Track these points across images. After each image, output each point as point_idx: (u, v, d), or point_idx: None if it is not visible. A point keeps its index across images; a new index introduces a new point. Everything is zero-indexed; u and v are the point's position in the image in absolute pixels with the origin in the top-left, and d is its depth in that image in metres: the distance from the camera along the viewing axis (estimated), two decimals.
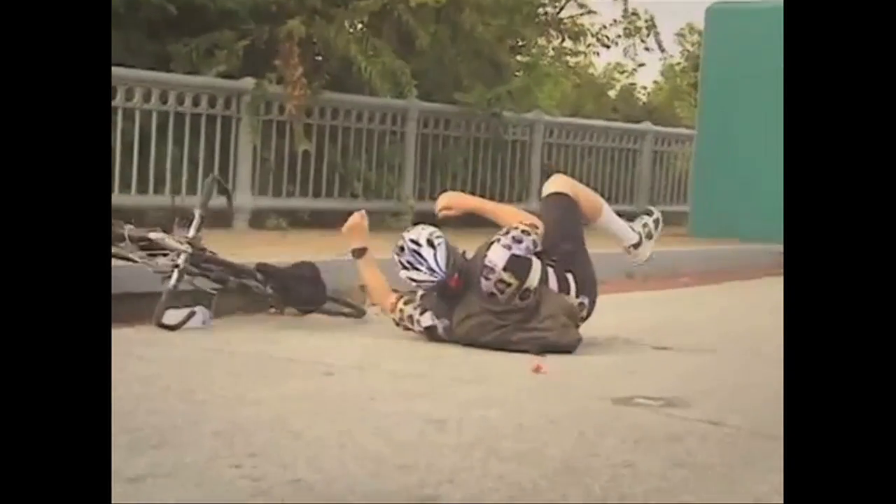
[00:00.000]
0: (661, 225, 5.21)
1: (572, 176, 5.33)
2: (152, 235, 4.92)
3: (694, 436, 3.28)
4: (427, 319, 4.71)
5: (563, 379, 4.10)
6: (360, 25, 9.94)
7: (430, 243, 4.62)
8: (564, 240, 4.71)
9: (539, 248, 4.63)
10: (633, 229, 5.15)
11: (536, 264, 4.60)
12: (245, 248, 6.13)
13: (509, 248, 4.54)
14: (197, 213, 5.06)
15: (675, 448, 3.13)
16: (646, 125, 12.74)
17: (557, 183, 4.91)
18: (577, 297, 4.72)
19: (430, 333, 4.70)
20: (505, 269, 4.53)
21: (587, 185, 5.47)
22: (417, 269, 4.57)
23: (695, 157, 11.39)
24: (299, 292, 5.34)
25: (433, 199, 10.17)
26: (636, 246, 5.19)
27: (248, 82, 8.61)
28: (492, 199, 10.59)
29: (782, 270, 9.68)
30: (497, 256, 4.53)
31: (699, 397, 3.83)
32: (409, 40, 9.64)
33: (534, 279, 4.56)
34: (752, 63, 10.40)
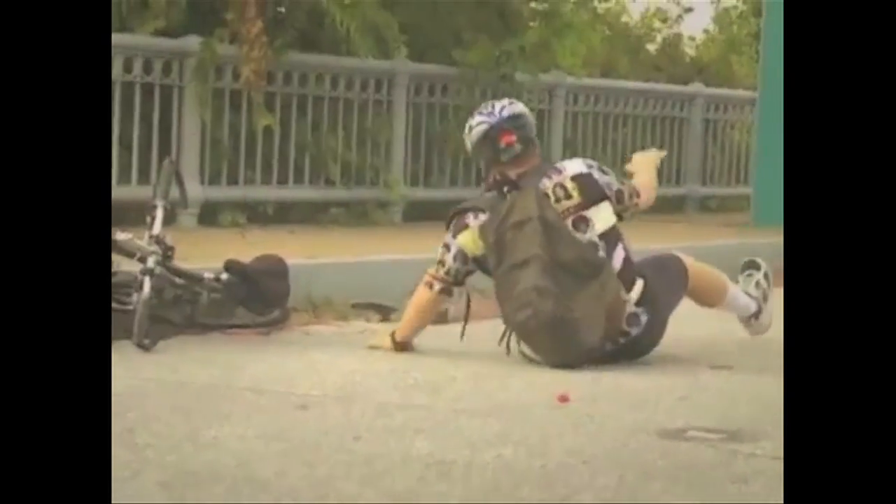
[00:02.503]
0: (772, 280, 5.49)
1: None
2: (119, 237, 4.99)
3: (763, 477, 3.30)
4: (473, 219, 5.02)
5: (596, 408, 4.12)
6: None
7: (511, 105, 5.19)
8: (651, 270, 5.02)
9: (624, 204, 5.07)
10: (750, 295, 5.40)
11: (607, 208, 4.97)
12: (193, 249, 6.14)
13: (590, 167, 5.06)
14: (159, 205, 5.14)
15: (741, 492, 3.15)
16: (695, 87, 12.76)
17: (678, 252, 5.28)
18: (637, 305, 4.90)
19: (482, 232, 4.97)
20: (573, 178, 4.97)
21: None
22: (478, 114, 5.13)
23: (757, 126, 11.40)
24: (270, 289, 5.47)
25: (428, 185, 10.31)
26: (757, 316, 5.41)
27: (193, 42, 8.63)
28: None
29: None
30: (572, 164, 5.09)
31: (768, 429, 3.84)
32: None
33: (598, 219, 4.92)
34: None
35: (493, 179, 5.07)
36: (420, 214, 9.87)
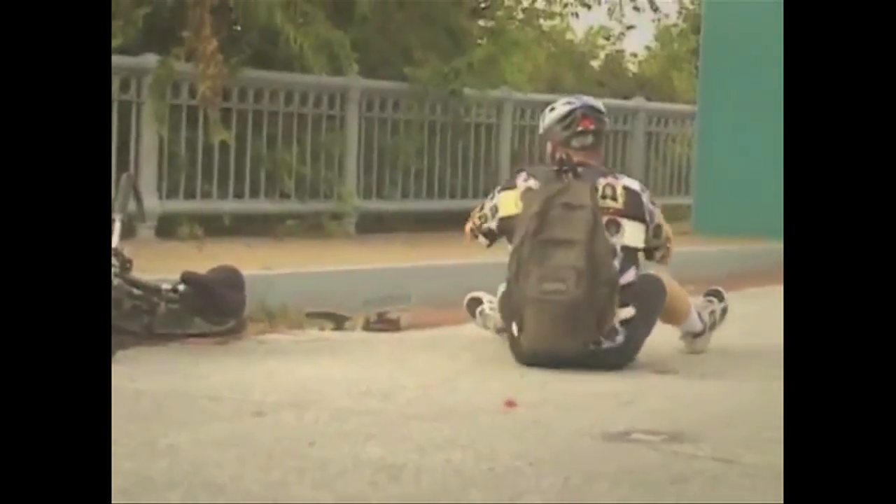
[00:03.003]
0: (727, 315, 5.63)
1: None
2: None
3: (703, 477, 3.31)
4: (523, 181, 5.15)
5: (542, 413, 4.12)
6: None
7: (596, 101, 5.43)
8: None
9: (659, 241, 5.20)
10: (701, 317, 5.48)
11: (640, 229, 5.08)
12: (152, 261, 6.11)
13: (643, 190, 5.19)
14: (116, 219, 5.13)
15: (681, 492, 3.16)
16: (637, 101, 12.82)
17: (662, 273, 5.30)
18: (619, 324, 4.96)
19: (527, 194, 5.07)
20: (624, 187, 5.09)
21: None
22: (563, 99, 5.36)
23: (697, 138, 11.47)
24: (226, 300, 5.45)
25: (381, 197, 10.32)
26: (697, 336, 5.48)
27: (151, 59, 8.59)
28: (452, 196, 10.73)
29: None
30: (629, 179, 5.23)
31: (709, 431, 3.86)
32: (348, 4, 9.65)
33: (628, 231, 5.02)
34: (761, 22, 10.49)
35: (559, 158, 5.13)
36: (373, 226, 9.87)
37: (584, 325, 4.85)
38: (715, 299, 5.65)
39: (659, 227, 5.18)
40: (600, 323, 4.88)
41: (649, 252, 5.22)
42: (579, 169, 5.06)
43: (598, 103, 5.35)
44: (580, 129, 5.16)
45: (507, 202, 5.15)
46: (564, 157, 5.13)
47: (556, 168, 5.08)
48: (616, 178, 5.14)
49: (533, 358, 4.91)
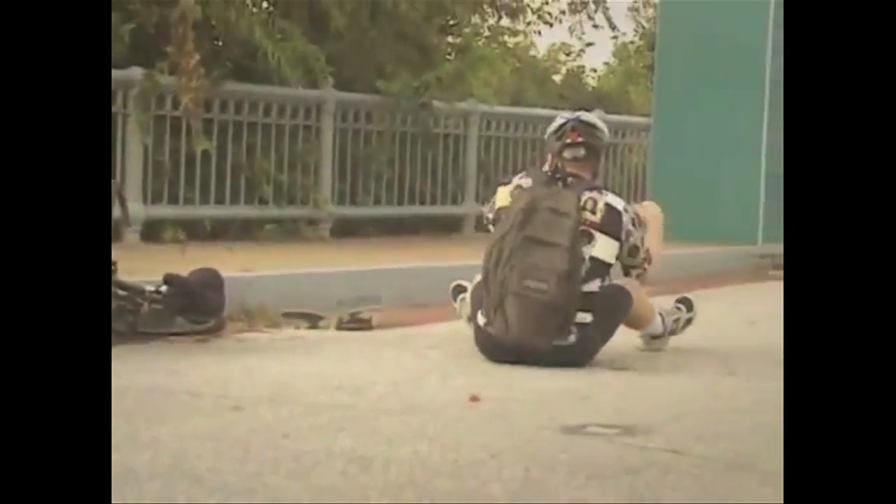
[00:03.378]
0: (690, 324, 5.64)
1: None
2: None
3: (654, 468, 3.32)
4: (518, 179, 5.21)
5: (505, 407, 4.12)
6: (265, 5, 9.92)
7: (590, 115, 5.46)
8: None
9: (634, 260, 5.17)
10: (664, 322, 5.48)
11: (612, 245, 5.04)
12: (137, 263, 6.09)
13: (626, 210, 5.13)
14: None
15: (633, 482, 3.16)
16: (597, 114, 12.82)
17: (629, 281, 5.27)
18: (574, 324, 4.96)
19: (517, 190, 5.13)
20: (606, 203, 5.06)
21: None
22: (563, 114, 5.37)
23: (651, 149, 11.50)
24: (206, 300, 5.44)
25: (354, 203, 10.30)
26: (657, 338, 5.48)
27: (136, 73, 8.56)
28: (422, 202, 10.73)
29: (753, 276, 9.73)
30: (614, 196, 5.16)
31: (661, 424, 3.87)
32: (323, 21, 9.65)
33: (600, 245, 5.00)
34: (712, 40, 10.54)
35: (554, 166, 5.17)
36: (347, 230, 9.86)
37: (554, 324, 4.88)
38: (683, 308, 5.64)
39: (636, 248, 5.13)
40: (564, 324, 4.89)
41: (626, 269, 5.22)
42: (569, 179, 5.09)
43: (595, 119, 5.34)
44: (569, 141, 5.16)
45: (502, 195, 5.18)
46: (557, 165, 5.16)
47: (549, 173, 5.13)
48: (601, 193, 5.11)
49: (500, 348, 4.91)
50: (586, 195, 5.05)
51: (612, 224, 5.04)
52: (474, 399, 4.20)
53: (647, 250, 5.21)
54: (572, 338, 4.94)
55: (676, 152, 10.84)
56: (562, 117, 5.31)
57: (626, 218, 5.11)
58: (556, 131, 5.24)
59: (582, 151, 5.18)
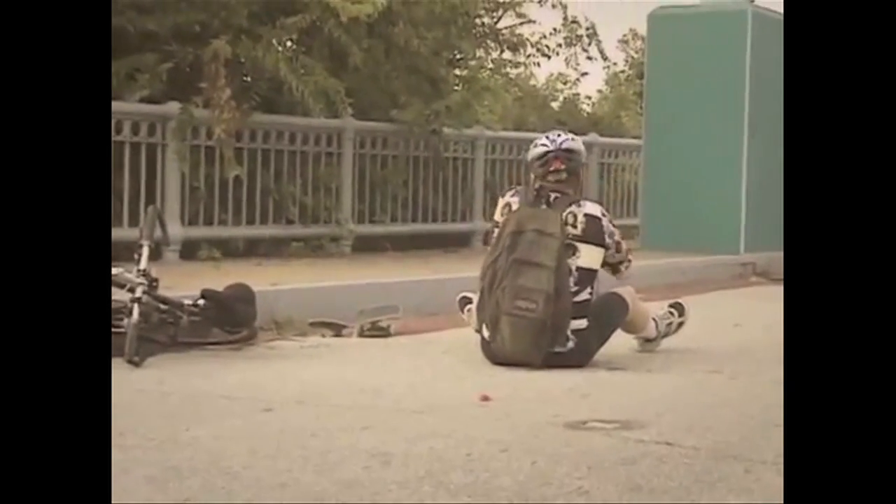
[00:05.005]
0: (682, 328, 5.61)
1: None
2: (112, 271, 4.95)
3: (650, 459, 3.30)
4: (510, 196, 5.19)
5: (512, 405, 4.11)
6: (289, 43, 9.92)
7: (571, 141, 5.30)
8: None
9: (619, 257, 5.12)
10: (658, 325, 5.45)
11: (598, 252, 5.02)
12: (176, 280, 6.09)
13: (604, 215, 5.12)
14: (145, 244, 5.16)
15: (630, 472, 3.15)
16: (591, 137, 12.80)
17: (625, 290, 5.27)
18: (570, 332, 4.95)
19: (506, 209, 5.13)
20: (585, 214, 5.03)
21: None
22: (545, 138, 5.27)
23: (642, 168, 11.49)
24: (240, 312, 5.44)
25: (373, 221, 10.29)
26: (650, 341, 5.46)
27: (174, 107, 8.57)
28: (434, 220, 10.72)
29: (737, 283, 9.69)
30: (592, 205, 5.14)
31: (655, 418, 3.86)
32: (342, 57, 9.64)
33: (585, 254, 4.97)
34: (695, 69, 10.53)
35: (538, 187, 5.15)
36: (366, 246, 9.84)
37: (545, 338, 4.87)
38: (676, 312, 5.62)
39: (619, 243, 5.14)
40: (556, 336, 4.89)
41: (615, 267, 5.18)
42: (552, 198, 5.06)
43: (573, 144, 5.24)
44: (552, 169, 5.13)
45: (498, 209, 5.19)
46: (540, 186, 5.13)
47: (534, 194, 5.10)
48: (580, 206, 5.08)
49: (504, 360, 4.92)
50: (567, 211, 5.03)
51: (593, 233, 5.03)
52: (485, 398, 4.19)
53: (628, 246, 5.21)
54: (571, 344, 4.93)
55: (665, 171, 10.82)
56: (542, 145, 5.20)
57: (605, 222, 5.09)
58: (539, 158, 5.17)
59: (564, 175, 5.15)
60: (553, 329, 4.87)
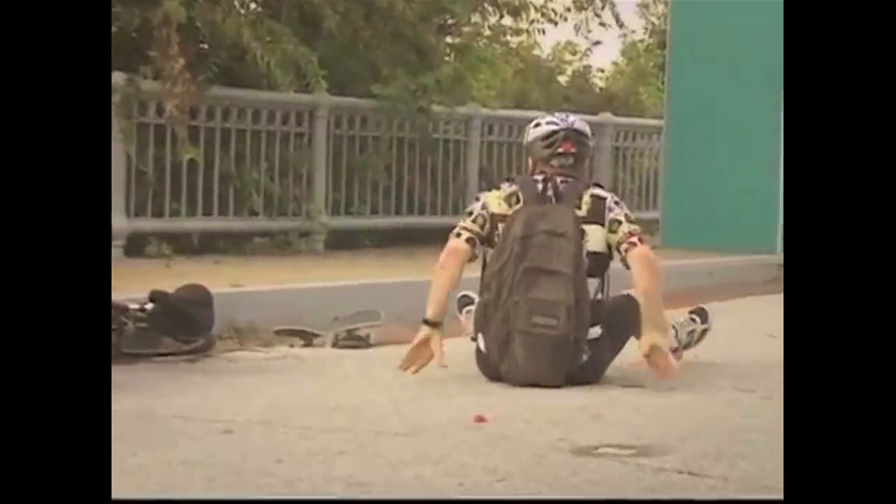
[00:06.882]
0: (706, 335, 5.64)
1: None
2: None
3: (672, 490, 3.32)
4: (508, 186, 5.17)
5: (512, 427, 4.12)
6: (252, 5, 9.93)
7: (581, 122, 5.35)
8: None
9: (618, 236, 5.04)
10: (678, 335, 5.46)
11: (599, 231, 5.04)
12: (120, 280, 6.09)
13: (610, 195, 5.18)
14: None
15: None
16: (605, 116, 12.85)
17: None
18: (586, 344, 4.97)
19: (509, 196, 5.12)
20: (592, 195, 5.09)
21: None
22: (550, 116, 5.32)
23: (663, 153, 11.51)
24: (194, 318, 5.46)
25: (349, 214, 10.30)
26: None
27: (118, 78, 8.57)
28: (421, 212, 10.73)
29: (773, 287, 9.72)
30: (600, 188, 5.22)
31: (677, 444, 3.87)
32: (315, 22, 9.66)
33: (591, 237, 5.01)
34: (726, 38, 10.55)
35: (539, 171, 5.16)
36: (341, 243, 9.85)
37: (567, 356, 4.90)
38: (698, 319, 5.64)
39: (616, 221, 5.05)
40: (577, 352, 4.91)
41: (616, 250, 5.07)
42: (560, 187, 5.07)
43: (584, 125, 5.30)
44: (560, 150, 5.15)
45: (493, 199, 5.14)
46: (543, 171, 5.13)
47: (539, 188, 5.08)
48: (588, 188, 5.14)
49: (515, 383, 4.90)
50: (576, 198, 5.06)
51: (596, 212, 5.06)
52: (480, 419, 4.20)
53: (633, 228, 5.08)
54: (584, 357, 4.95)
55: (690, 156, 10.84)
56: (551, 123, 5.24)
57: (609, 201, 5.10)
58: (545, 138, 5.19)
59: (571, 161, 5.18)
60: (575, 344, 4.89)
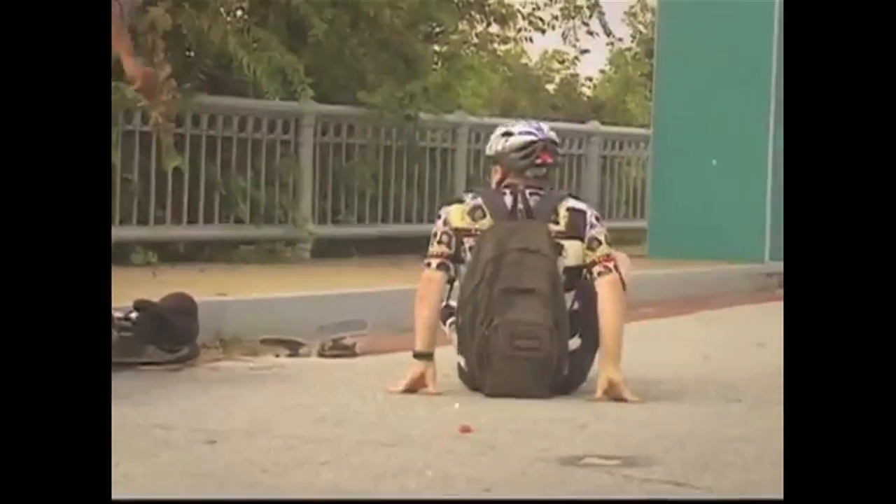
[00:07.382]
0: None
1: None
2: None
3: (657, 501, 3.31)
4: (471, 199, 5.09)
5: (498, 438, 4.12)
6: (239, 13, 9.93)
7: (551, 132, 5.29)
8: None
9: (595, 254, 4.97)
10: None
11: (578, 246, 4.96)
12: None
13: (589, 208, 5.11)
14: None
15: None
16: (592, 125, 12.88)
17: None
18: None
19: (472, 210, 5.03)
20: (568, 209, 5.01)
21: None
22: (522, 125, 5.24)
23: (651, 162, 11.52)
24: (179, 327, 5.47)
25: (336, 222, 10.31)
26: None
27: None
28: (408, 220, 10.73)
29: (761, 296, 9.76)
30: (576, 201, 5.15)
31: (663, 454, 3.87)
32: (301, 30, 9.66)
33: (570, 251, 4.94)
34: (714, 47, 10.57)
35: (507, 183, 5.09)
36: (328, 251, 9.85)
37: (551, 374, 4.88)
38: None
39: (595, 240, 4.97)
40: (559, 367, 4.90)
41: (588, 267, 4.99)
42: (532, 202, 4.99)
43: (554, 134, 5.26)
44: (539, 162, 5.09)
45: (456, 213, 5.03)
46: (511, 182, 5.06)
47: (509, 203, 4.99)
48: (563, 201, 5.07)
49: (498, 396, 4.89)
50: (545, 208, 5.00)
51: (576, 226, 4.98)
52: (465, 429, 4.19)
53: (611, 251, 5.02)
54: (565, 371, 4.94)
55: (677, 165, 10.86)
56: (525, 133, 5.12)
57: (589, 216, 5.03)
58: (521, 149, 5.07)
59: (544, 171, 5.14)
60: (558, 364, 4.88)
